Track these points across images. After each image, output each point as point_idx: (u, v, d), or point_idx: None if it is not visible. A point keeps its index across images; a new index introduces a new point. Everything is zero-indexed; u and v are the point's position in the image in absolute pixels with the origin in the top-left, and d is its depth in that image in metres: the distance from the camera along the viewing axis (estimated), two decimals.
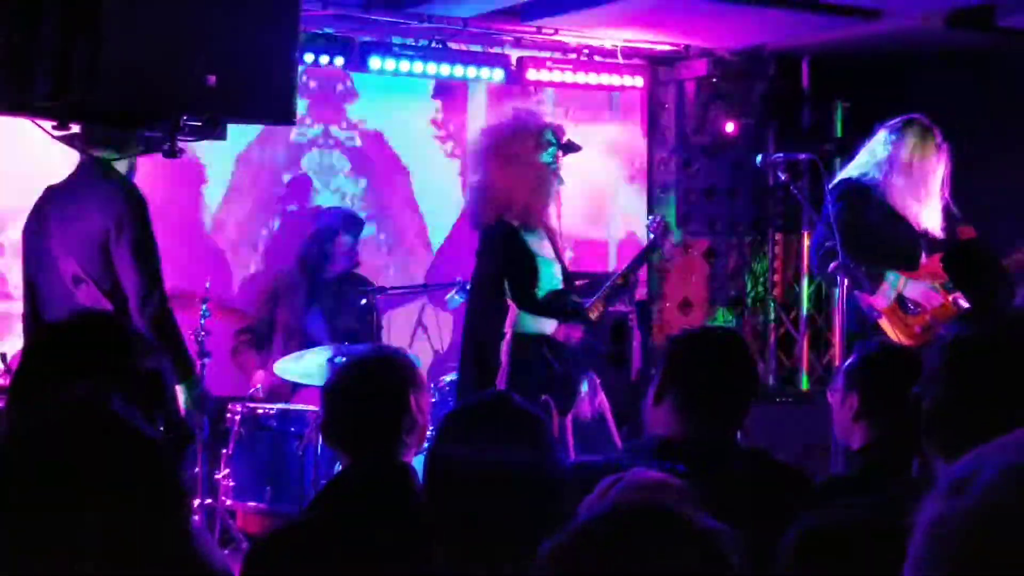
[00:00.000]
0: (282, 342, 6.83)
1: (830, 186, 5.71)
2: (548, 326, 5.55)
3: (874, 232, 5.51)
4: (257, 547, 2.91)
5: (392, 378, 3.03)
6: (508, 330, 5.47)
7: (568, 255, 6.26)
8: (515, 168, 5.54)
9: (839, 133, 8.61)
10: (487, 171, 5.64)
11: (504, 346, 5.45)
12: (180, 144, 4.09)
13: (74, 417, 1.86)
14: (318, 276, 7.05)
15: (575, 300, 5.70)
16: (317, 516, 2.90)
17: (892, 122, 5.74)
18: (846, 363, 3.53)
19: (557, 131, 5.73)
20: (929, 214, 5.66)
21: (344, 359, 6.11)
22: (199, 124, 3.91)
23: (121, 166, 4.59)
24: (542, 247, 5.65)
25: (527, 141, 5.60)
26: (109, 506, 1.78)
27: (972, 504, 1.10)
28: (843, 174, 5.77)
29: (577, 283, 6.01)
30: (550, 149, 5.63)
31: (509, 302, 5.48)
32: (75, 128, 4.31)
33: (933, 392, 2.04)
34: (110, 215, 4.50)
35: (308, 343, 6.72)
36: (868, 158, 5.70)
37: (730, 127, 8.46)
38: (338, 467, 5.79)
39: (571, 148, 5.76)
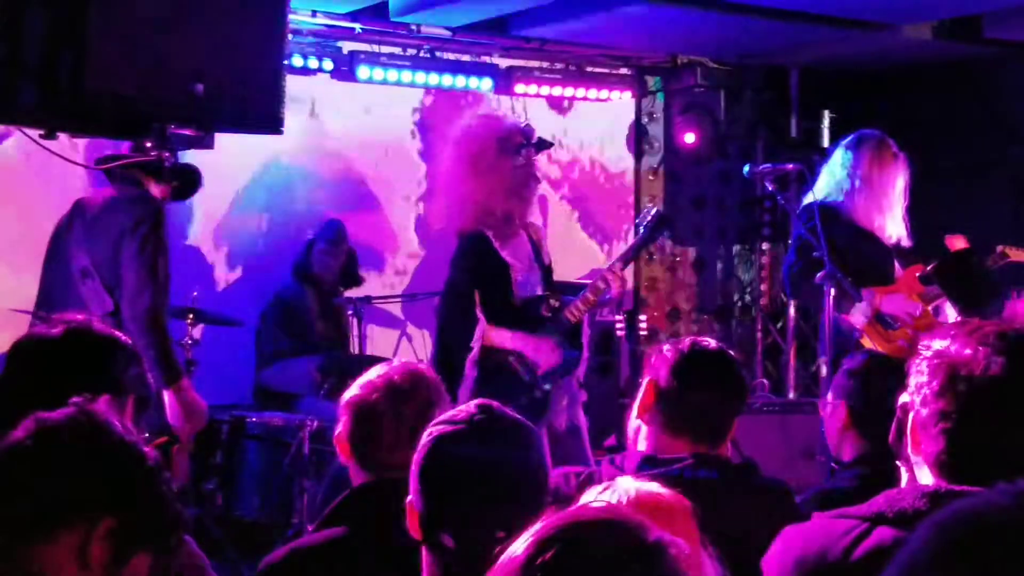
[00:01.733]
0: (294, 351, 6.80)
1: (797, 212, 5.73)
2: (516, 341, 5.49)
3: (845, 253, 5.52)
4: (272, 564, 2.87)
5: (421, 396, 2.98)
6: (476, 343, 5.43)
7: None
8: (488, 176, 5.50)
9: (827, 143, 8.63)
10: (460, 180, 5.58)
11: (471, 358, 5.41)
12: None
13: (69, 431, 1.86)
14: (313, 286, 7.06)
15: (552, 304, 5.64)
16: (335, 533, 2.85)
17: (846, 140, 5.79)
18: (836, 374, 3.53)
19: (526, 131, 5.68)
20: (895, 225, 5.69)
21: (344, 366, 6.13)
22: (186, 134, 3.90)
23: (155, 191, 4.86)
24: (518, 255, 5.61)
25: (496, 146, 5.55)
26: (104, 522, 1.77)
27: (905, 558, 1.19)
28: (807, 199, 5.78)
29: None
30: (521, 151, 5.58)
31: (479, 314, 5.44)
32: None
33: (920, 406, 2.04)
34: (129, 216, 4.74)
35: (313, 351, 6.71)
36: (829, 179, 5.74)
37: (713, 136, 8.45)
38: (331, 478, 5.83)
39: (543, 145, 5.71)
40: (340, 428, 3.03)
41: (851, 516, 2.09)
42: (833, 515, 2.15)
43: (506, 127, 5.63)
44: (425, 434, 2.35)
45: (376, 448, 2.95)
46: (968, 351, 1.99)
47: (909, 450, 2.08)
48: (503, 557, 1.43)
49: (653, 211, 5.84)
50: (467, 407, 2.38)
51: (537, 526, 1.43)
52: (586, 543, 1.39)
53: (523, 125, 5.71)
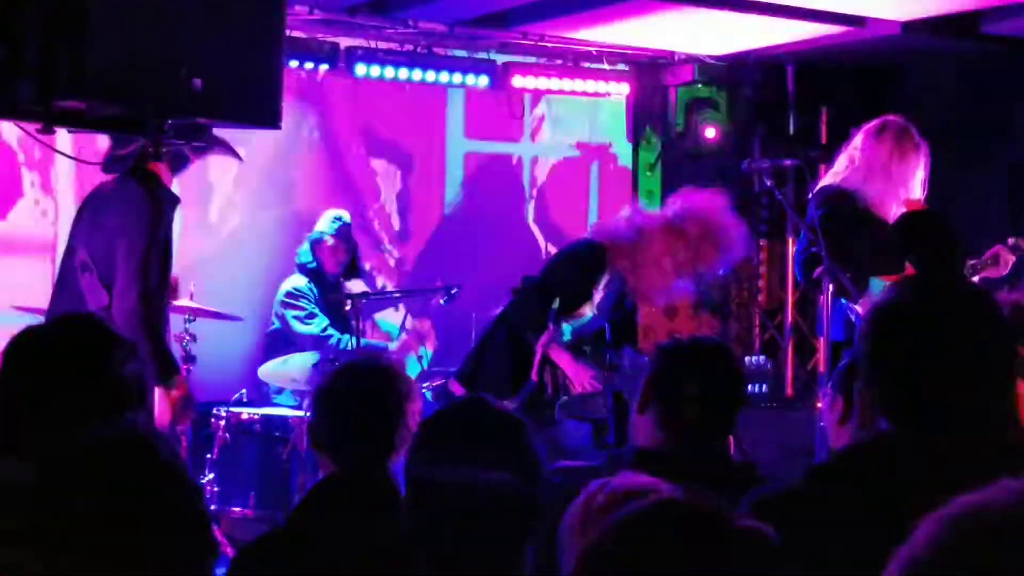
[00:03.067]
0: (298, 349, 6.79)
1: (812, 193, 5.69)
2: (560, 354, 5.54)
3: (857, 238, 5.48)
4: (243, 553, 2.89)
5: (391, 387, 2.98)
6: (541, 346, 5.47)
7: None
8: (656, 266, 5.54)
9: (824, 139, 8.62)
10: (649, 239, 5.57)
11: (537, 362, 5.46)
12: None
13: (118, 448, 1.86)
14: (320, 281, 7.06)
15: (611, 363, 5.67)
16: (302, 522, 2.88)
17: (869, 125, 5.66)
18: (837, 368, 3.53)
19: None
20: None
21: (338, 363, 6.11)
22: (184, 128, 3.90)
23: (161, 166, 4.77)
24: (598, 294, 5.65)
25: (706, 246, 5.59)
26: (146, 545, 1.78)
27: (906, 555, 1.19)
28: (824, 181, 5.73)
29: None
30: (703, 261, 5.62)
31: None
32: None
33: (863, 354, 2.13)
34: (125, 214, 4.72)
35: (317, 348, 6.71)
36: (847, 163, 5.64)
37: (711, 132, 8.43)
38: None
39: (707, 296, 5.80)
40: (311, 419, 3.07)
41: (808, 476, 2.16)
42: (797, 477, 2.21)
43: (732, 241, 5.67)
44: (415, 436, 2.34)
45: (343, 440, 2.97)
46: (908, 301, 2.11)
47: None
48: (584, 545, 1.44)
49: None
50: (457, 407, 2.37)
51: (619, 513, 1.44)
52: (673, 528, 1.39)
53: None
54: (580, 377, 5.51)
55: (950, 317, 2.08)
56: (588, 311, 5.65)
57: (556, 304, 5.43)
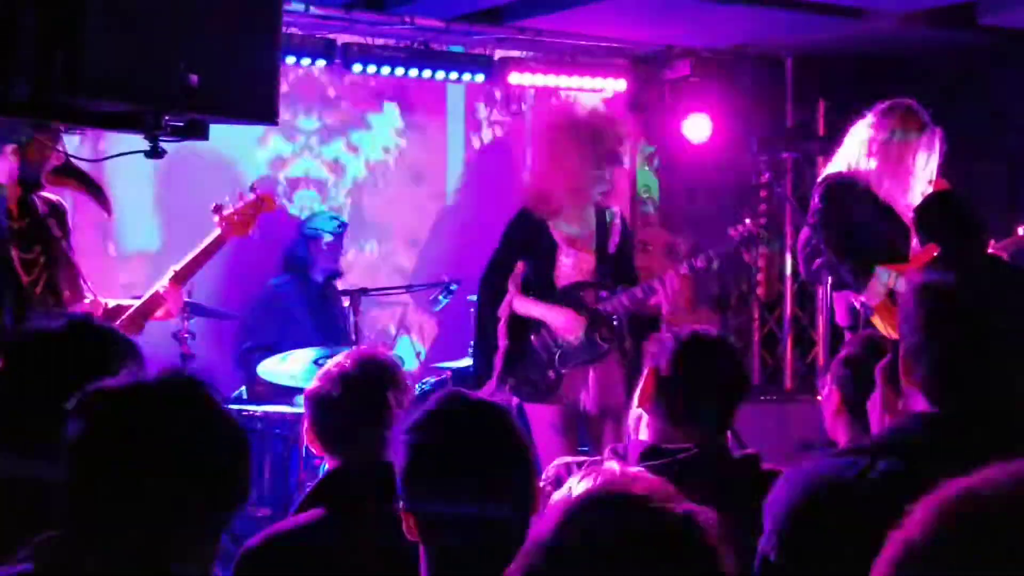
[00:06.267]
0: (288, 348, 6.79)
1: (817, 181, 5.64)
2: (536, 308, 5.54)
3: (861, 228, 5.43)
4: (251, 550, 2.90)
5: (376, 381, 3.06)
6: (504, 311, 5.50)
7: None
8: (563, 172, 5.53)
9: (822, 132, 8.62)
10: (540, 160, 5.69)
11: (500, 328, 5.50)
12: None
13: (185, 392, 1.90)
14: (306, 280, 7.05)
15: (598, 294, 5.63)
16: (311, 516, 2.90)
17: (877, 107, 5.55)
18: (833, 359, 3.53)
19: (620, 139, 5.71)
20: (916, 200, 5.47)
21: (325, 362, 6.11)
22: (181, 125, 3.89)
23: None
24: (571, 237, 5.63)
25: (588, 147, 5.55)
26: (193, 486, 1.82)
27: (902, 540, 1.19)
28: (829, 168, 5.63)
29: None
30: (603, 158, 5.60)
31: (510, 285, 5.52)
32: None
33: (909, 336, 2.12)
34: None
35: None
36: (854, 147, 5.52)
37: (704, 128, 8.43)
38: (324, 468, 5.84)
39: (615, 161, 5.75)
40: (305, 420, 3.15)
41: (850, 453, 2.14)
42: (832, 454, 2.20)
43: (608, 132, 5.66)
44: (399, 435, 2.35)
45: (338, 436, 3.02)
46: (950, 280, 2.10)
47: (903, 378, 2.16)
48: (532, 532, 1.44)
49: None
50: (438, 399, 2.38)
51: (567, 502, 1.43)
52: (614, 516, 1.39)
53: (620, 133, 5.73)
54: (557, 318, 5.52)
55: (1010, 294, 2.10)
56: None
57: (519, 271, 5.51)
